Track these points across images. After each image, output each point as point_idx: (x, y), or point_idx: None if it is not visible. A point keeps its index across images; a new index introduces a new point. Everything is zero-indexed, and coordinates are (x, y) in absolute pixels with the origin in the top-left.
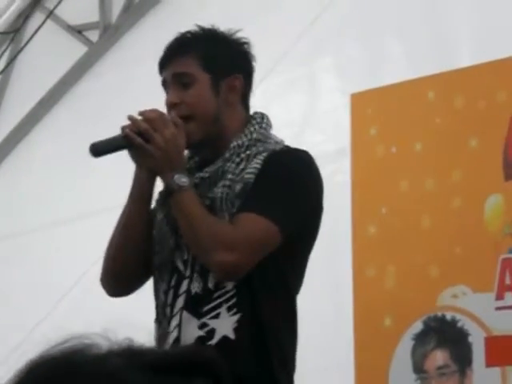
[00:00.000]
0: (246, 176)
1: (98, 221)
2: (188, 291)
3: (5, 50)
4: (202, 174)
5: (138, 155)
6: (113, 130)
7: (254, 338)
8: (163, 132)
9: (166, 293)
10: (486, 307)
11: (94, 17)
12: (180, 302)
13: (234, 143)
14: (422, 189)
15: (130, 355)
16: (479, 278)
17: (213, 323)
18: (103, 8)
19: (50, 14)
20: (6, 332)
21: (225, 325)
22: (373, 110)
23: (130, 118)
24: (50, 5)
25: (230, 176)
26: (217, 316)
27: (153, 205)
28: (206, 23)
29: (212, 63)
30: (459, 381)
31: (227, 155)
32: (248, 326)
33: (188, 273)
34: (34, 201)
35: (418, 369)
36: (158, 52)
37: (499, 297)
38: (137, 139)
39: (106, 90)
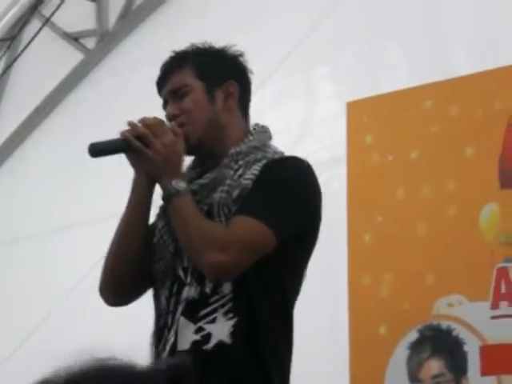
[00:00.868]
0: (244, 182)
1: (94, 227)
2: (187, 297)
3: (1, 57)
4: (201, 181)
5: (136, 159)
6: (109, 137)
7: (250, 342)
8: (162, 138)
9: (168, 300)
10: (481, 316)
11: (90, 24)
12: (181, 309)
13: (233, 150)
14: (418, 197)
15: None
16: (475, 287)
17: (209, 328)
18: (100, 15)
19: (47, 22)
20: (2, 338)
21: (221, 329)
22: (369, 118)
23: (130, 123)
24: (46, 12)
25: (228, 182)
26: (213, 321)
27: (152, 219)
28: (203, 32)
29: (206, 71)
30: None
31: (226, 161)
32: (244, 331)
33: (188, 280)
34: (30, 208)
35: (414, 378)
36: (155, 59)
37: (494, 306)
38: (136, 143)
39: (103, 97)
